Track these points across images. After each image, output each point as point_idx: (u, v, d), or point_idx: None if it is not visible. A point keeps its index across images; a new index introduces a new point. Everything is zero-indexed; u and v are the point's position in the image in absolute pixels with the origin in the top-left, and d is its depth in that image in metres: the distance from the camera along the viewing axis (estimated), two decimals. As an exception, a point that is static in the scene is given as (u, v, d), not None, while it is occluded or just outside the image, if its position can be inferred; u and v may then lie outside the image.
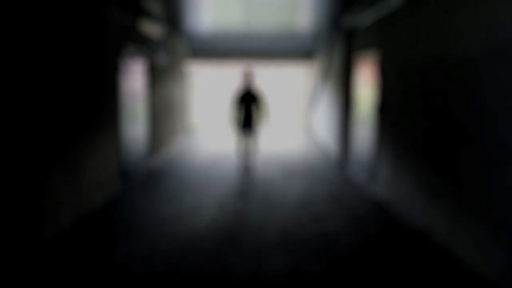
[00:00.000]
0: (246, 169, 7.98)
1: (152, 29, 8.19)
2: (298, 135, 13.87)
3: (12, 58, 3.65)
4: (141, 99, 7.59)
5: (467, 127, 3.77)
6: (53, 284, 3.54)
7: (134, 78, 7.17)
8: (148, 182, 7.10)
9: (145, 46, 7.94)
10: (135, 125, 7.23)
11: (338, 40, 9.26)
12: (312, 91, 14.00)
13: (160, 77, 9.22)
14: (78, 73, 4.96)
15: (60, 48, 4.52)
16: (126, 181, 6.77)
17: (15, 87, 3.70)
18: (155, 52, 8.72)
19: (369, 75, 6.95)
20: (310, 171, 8.17)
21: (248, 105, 7.86)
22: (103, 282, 3.59)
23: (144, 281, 3.61)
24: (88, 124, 5.25)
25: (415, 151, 4.95)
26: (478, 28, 3.61)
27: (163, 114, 9.64)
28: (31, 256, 3.96)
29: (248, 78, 7.80)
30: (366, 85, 7.17)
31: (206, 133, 14.23)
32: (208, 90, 19.55)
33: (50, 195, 4.33)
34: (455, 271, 3.85)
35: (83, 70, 5.10)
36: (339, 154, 8.82)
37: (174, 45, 11.05)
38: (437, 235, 4.29)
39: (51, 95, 4.33)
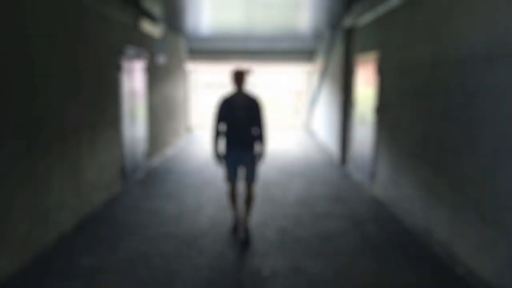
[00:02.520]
0: (245, 242, 4.50)
1: (152, 28, 8.21)
2: (298, 135, 13.89)
3: (13, 58, 3.67)
4: (141, 99, 7.61)
5: (466, 127, 3.78)
6: (53, 284, 3.56)
7: (135, 78, 7.19)
8: (148, 182, 7.11)
9: (145, 45, 7.96)
10: (136, 125, 7.24)
11: (337, 40, 9.28)
12: (312, 91, 14.02)
13: (160, 77, 9.23)
14: (78, 72, 4.98)
15: (61, 47, 4.53)
16: (127, 181, 6.78)
17: (15, 85, 3.71)
18: (155, 51, 8.74)
19: (369, 75, 6.96)
20: (310, 171, 8.18)
21: (240, 120, 4.54)
22: (103, 281, 3.61)
23: (144, 281, 3.63)
24: (89, 124, 5.26)
25: (414, 151, 4.96)
26: (477, 29, 3.62)
27: (164, 114, 9.65)
28: (32, 256, 3.98)
29: (240, 79, 4.60)
30: (365, 84, 7.18)
31: (206, 132, 14.23)
32: (208, 90, 19.57)
33: (51, 196, 4.34)
34: (454, 271, 3.87)
35: (83, 70, 5.11)
36: (339, 153, 8.84)
37: (175, 45, 11.07)
38: (437, 235, 4.30)
39: (51, 95, 4.35)
